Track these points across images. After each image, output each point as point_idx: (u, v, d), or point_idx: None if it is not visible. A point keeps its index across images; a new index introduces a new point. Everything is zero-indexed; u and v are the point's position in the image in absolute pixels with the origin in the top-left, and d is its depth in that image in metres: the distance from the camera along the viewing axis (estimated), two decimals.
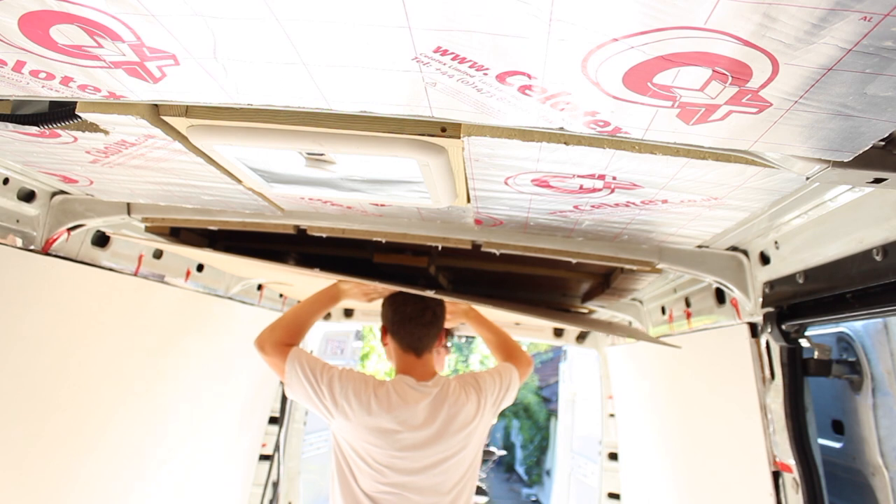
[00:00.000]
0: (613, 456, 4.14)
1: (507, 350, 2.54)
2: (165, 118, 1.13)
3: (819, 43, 0.65)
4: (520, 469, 16.77)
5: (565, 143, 1.05)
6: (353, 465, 2.05)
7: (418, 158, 1.16)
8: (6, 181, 1.71)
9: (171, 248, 2.24)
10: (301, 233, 2.03)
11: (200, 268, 2.74)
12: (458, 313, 2.60)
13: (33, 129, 1.22)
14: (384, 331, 2.31)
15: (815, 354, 1.75)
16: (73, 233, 1.94)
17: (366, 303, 2.49)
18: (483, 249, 1.94)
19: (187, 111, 1.11)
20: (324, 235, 2.01)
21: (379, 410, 2.01)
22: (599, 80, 0.78)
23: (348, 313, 4.25)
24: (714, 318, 2.20)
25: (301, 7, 0.70)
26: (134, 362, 2.40)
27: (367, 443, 2.01)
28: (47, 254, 1.89)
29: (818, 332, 2.31)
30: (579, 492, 8.04)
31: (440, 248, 2.02)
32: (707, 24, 0.65)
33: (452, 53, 0.77)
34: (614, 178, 1.22)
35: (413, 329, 2.21)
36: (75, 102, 1.10)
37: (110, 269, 2.17)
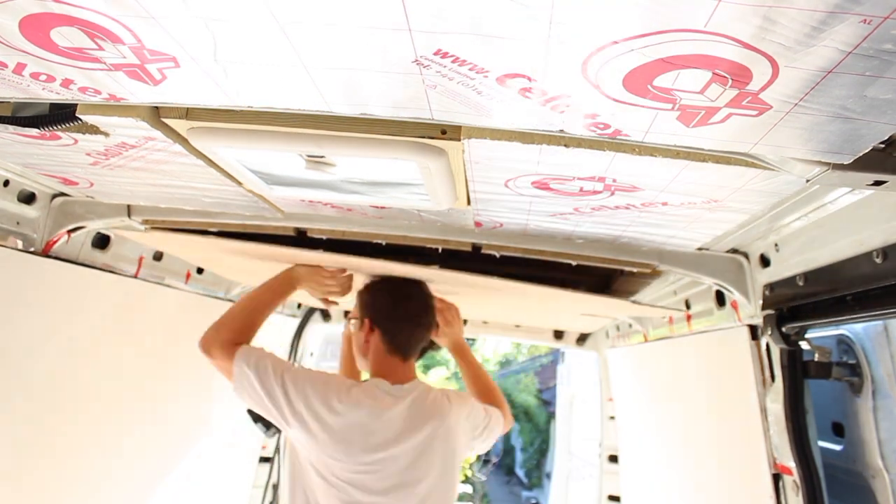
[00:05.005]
0: (613, 458, 4.13)
1: (491, 394, 2.19)
2: (166, 120, 1.13)
3: (819, 45, 0.65)
4: (520, 472, 16.76)
5: (565, 145, 1.05)
6: (311, 481, 1.77)
7: (418, 161, 1.16)
8: (6, 183, 1.71)
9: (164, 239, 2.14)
10: (301, 234, 2.03)
11: (200, 270, 2.74)
12: (446, 335, 2.26)
13: (34, 132, 1.22)
14: (369, 322, 1.95)
15: (816, 357, 1.75)
16: (73, 235, 1.95)
17: (321, 299, 2.21)
18: (483, 251, 1.94)
19: (188, 113, 1.11)
20: (324, 237, 2.00)
21: (342, 416, 1.72)
22: (600, 82, 0.78)
23: (348, 315, 4.24)
24: (714, 320, 2.20)
25: (301, 9, 0.70)
26: (134, 364, 2.40)
27: (326, 455, 1.73)
28: (47, 256, 1.89)
29: (818, 335, 2.31)
30: (578, 494, 8.03)
31: (440, 250, 2.02)
32: (707, 26, 0.65)
33: (452, 56, 0.77)
34: (614, 181, 1.22)
35: (413, 330, 1.93)
36: (76, 105, 1.10)
37: (110, 272, 2.17)
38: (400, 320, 1.93)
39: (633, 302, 2.04)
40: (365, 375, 2.04)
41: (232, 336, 1.86)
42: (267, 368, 1.77)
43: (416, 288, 2.01)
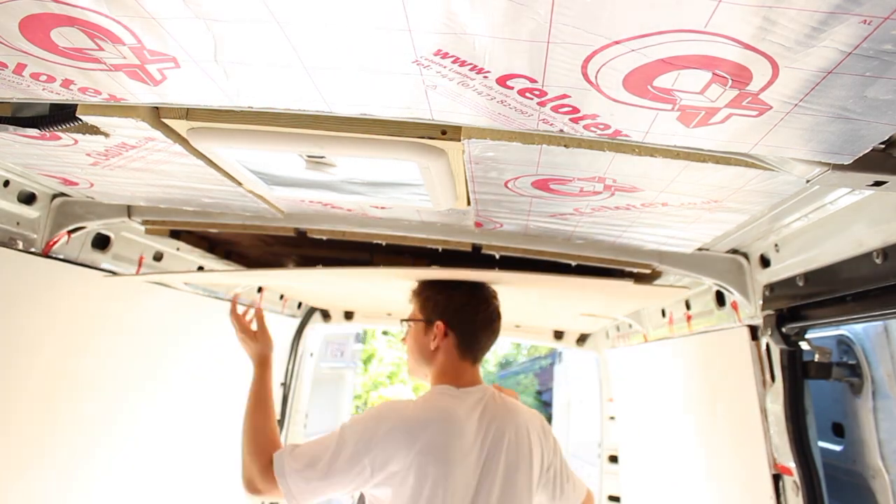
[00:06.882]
0: (614, 458, 4.14)
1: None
2: (166, 121, 1.13)
3: (819, 46, 0.65)
4: None
5: (565, 145, 1.05)
6: None
7: (418, 161, 1.16)
8: (7, 183, 1.71)
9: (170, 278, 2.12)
10: (301, 235, 2.03)
11: (201, 268, 2.74)
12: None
13: (34, 132, 1.22)
14: (444, 326, 1.77)
15: (816, 357, 1.75)
16: (73, 235, 1.95)
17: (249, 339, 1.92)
18: (483, 252, 1.94)
19: (188, 114, 1.11)
20: (324, 238, 2.01)
21: (421, 442, 1.53)
22: (600, 82, 0.78)
23: (348, 315, 4.25)
24: (714, 320, 2.20)
25: (301, 10, 0.70)
26: (134, 363, 2.40)
27: (425, 488, 1.52)
28: (48, 256, 1.89)
29: (818, 335, 2.31)
30: None
31: (440, 250, 2.02)
32: (707, 27, 0.65)
33: (453, 56, 0.77)
34: (614, 181, 1.22)
35: (483, 339, 1.80)
36: (76, 105, 1.10)
37: (110, 272, 2.17)
38: (479, 325, 1.79)
39: (637, 283, 1.99)
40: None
41: (261, 464, 1.61)
42: (316, 462, 1.54)
43: (487, 289, 1.86)
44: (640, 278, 2.12)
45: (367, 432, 1.54)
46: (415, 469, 1.52)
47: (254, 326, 1.92)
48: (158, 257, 2.43)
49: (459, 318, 1.77)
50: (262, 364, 1.87)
